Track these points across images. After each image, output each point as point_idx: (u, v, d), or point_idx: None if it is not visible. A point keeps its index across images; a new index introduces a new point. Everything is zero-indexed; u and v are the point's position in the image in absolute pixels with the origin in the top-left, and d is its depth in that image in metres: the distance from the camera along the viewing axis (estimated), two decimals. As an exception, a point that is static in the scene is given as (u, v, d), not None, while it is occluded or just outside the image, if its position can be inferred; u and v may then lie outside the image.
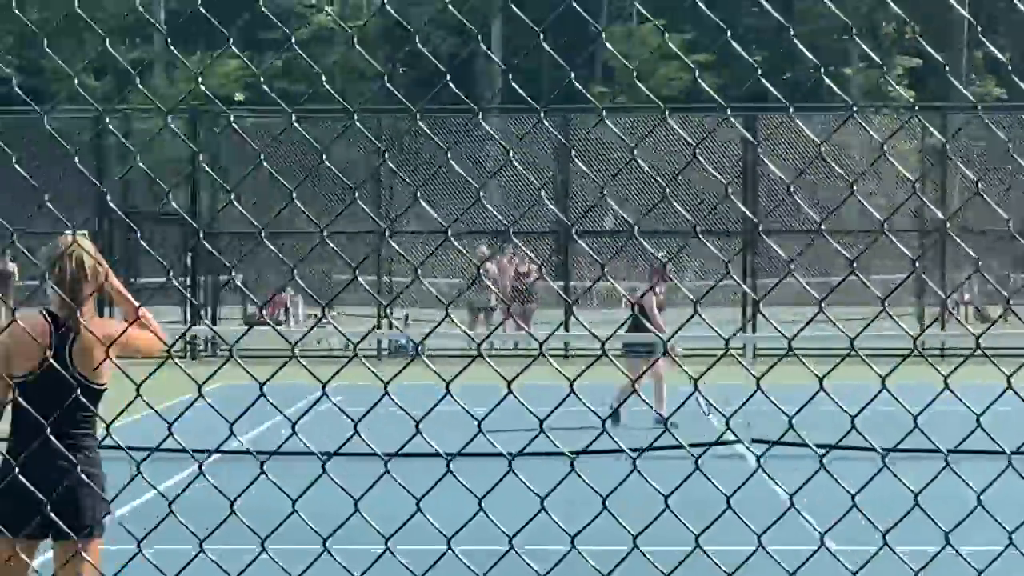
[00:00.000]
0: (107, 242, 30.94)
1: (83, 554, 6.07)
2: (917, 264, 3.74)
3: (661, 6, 50.58)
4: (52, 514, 5.69)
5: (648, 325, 18.84)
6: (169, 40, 67.97)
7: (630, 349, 19.26)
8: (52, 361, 6.06)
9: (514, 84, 3.63)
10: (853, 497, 3.70)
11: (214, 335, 22.92)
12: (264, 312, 35.92)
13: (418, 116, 4.36)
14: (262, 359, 24.83)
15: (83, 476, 6.12)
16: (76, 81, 4.15)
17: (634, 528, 3.81)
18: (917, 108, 36.26)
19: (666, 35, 5.13)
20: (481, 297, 33.11)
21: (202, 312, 32.43)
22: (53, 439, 5.86)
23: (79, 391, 6.11)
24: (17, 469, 5.91)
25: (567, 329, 25.36)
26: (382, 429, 6.23)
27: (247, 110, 50.23)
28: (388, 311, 32.18)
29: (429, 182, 30.79)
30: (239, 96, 57.17)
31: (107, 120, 31.41)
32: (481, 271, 32.74)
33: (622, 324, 9.56)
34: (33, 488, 5.08)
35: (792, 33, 4.21)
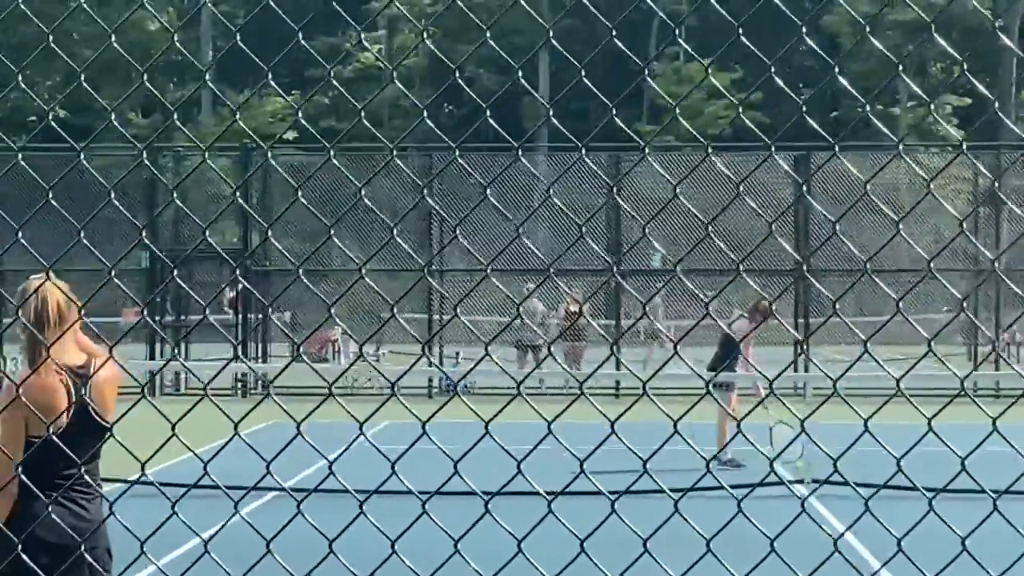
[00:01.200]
0: (156, 280, 31.01)
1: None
2: (965, 304, 3.62)
3: (709, 44, 50.54)
4: (68, 566, 5.60)
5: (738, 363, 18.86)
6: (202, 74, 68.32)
7: (717, 385, 19.12)
8: (76, 411, 5.95)
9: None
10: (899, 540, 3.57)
11: (265, 372, 22.94)
12: (307, 349, 35.89)
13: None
14: (310, 396, 24.82)
15: (102, 523, 6.02)
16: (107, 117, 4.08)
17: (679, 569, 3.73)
18: (965, 146, 36.02)
19: (711, 72, 5.02)
20: (527, 335, 33.05)
21: (252, 348, 32.44)
22: (76, 489, 5.81)
23: (99, 435, 6.01)
24: (53, 520, 5.79)
25: (618, 367, 25.16)
26: (422, 467, 6.15)
27: (295, 148, 50.41)
28: (427, 349, 32.15)
29: (473, 220, 30.62)
30: (289, 135, 57.44)
31: (140, 156, 31.51)
32: (527, 310, 32.68)
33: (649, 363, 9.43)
34: (63, 540, 4.99)
35: (837, 71, 4.10)
